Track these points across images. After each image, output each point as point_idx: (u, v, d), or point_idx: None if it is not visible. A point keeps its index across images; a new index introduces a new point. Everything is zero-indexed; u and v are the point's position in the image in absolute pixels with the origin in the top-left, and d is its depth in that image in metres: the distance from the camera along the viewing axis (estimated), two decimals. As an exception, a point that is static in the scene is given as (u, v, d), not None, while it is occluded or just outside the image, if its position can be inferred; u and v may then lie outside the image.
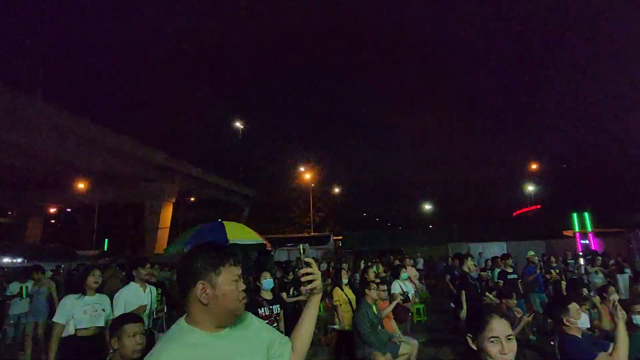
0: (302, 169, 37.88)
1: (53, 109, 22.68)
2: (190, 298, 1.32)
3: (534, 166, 32.38)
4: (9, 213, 39.11)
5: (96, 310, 3.75)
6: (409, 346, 5.06)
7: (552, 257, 9.80)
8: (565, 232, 18.94)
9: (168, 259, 12.23)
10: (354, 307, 5.31)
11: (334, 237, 28.01)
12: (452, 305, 7.89)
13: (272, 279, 4.93)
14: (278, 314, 4.75)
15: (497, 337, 1.62)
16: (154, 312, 4.22)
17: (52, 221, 42.52)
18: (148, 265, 4.27)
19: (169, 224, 35.40)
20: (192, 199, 40.64)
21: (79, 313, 3.63)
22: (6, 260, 19.94)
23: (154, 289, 4.35)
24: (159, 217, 34.45)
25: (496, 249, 17.36)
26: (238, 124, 42.29)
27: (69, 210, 39.86)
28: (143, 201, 34.85)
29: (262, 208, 41.90)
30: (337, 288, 6.06)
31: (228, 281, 1.31)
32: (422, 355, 5.93)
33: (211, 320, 1.31)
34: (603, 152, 33.93)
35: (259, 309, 4.57)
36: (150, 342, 3.58)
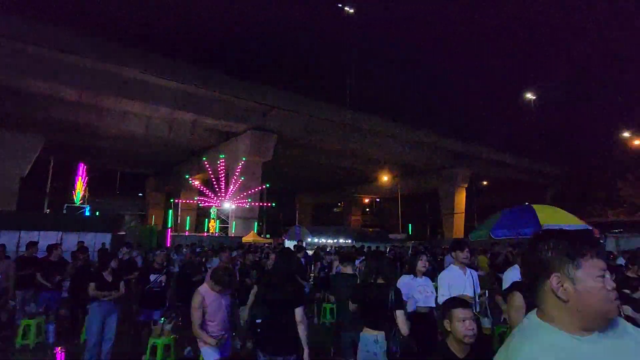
0: (626, 134, 29.45)
1: (357, 114, 27.73)
2: (542, 291, 1.16)
3: None
4: (339, 204, 50.48)
5: (427, 292, 4.23)
6: None
7: None
8: None
9: (475, 244, 12.15)
10: None
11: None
12: None
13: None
14: None
15: None
16: (477, 296, 4.25)
17: (367, 210, 51.69)
18: (466, 249, 4.37)
19: (463, 209, 35.65)
20: (485, 183, 39.29)
21: (416, 293, 4.13)
22: (341, 240, 25.56)
23: (474, 272, 4.42)
24: (453, 202, 35.31)
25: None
26: (530, 95, 37.51)
27: (378, 199, 47.25)
28: (437, 188, 36.71)
29: (574, 186, 35.37)
30: None
31: (592, 276, 1.09)
32: None
33: (571, 320, 1.10)
34: None
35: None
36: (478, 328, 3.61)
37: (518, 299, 2.60)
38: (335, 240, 25.27)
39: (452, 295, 3.79)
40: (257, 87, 24.47)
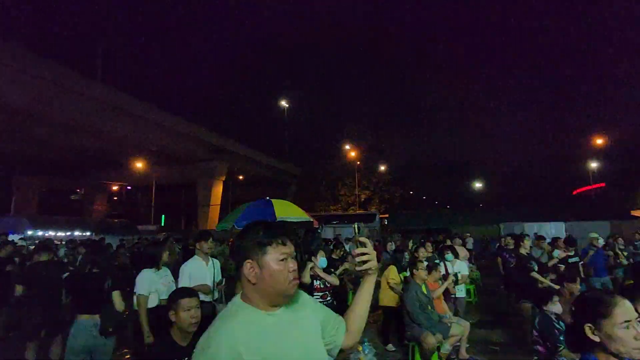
0: (347, 146, 37.68)
1: (108, 89, 24.28)
2: (242, 276, 1.33)
3: (599, 141, 29.73)
4: (78, 191, 42.65)
5: (169, 283, 4.07)
6: (460, 327, 4.97)
7: (619, 238, 9.08)
8: (633, 212, 17.49)
9: (219, 235, 12.77)
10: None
11: (380, 216, 27.87)
12: (503, 287, 7.64)
13: (325, 258, 5.03)
14: (331, 287, 4.86)
15: (630, 320, 1.46)
16: (215, 284, 4.42)
17: (115, 198, 45.90)
18: (210, 240, 4.45)
19: (219, 201, 36.93)
20: (241, 177, 41.95)
21: (160, 286, 3.94)
22: (77, 233, 21.83)
23: (217, 261, 4.54)
24: (210, 194, 36.07)
25: (553, 229, 16.47)
26: (284, 103, 42.65)
27: (129, 187, 42.72)
28: (195, 179, 36.57)
29: (308, 186, 42.39)
30: (393, 267, 6.06)
31: (275, 260, 1.29)
32: (473, 337, 5.81)
33: (261, 299, 1.31)
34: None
35: (314, 281, 4.73)
36: (213, 314, 3.80)
37: None
38: (68, 233, 21.44)
39: (193, 285, 3.90)
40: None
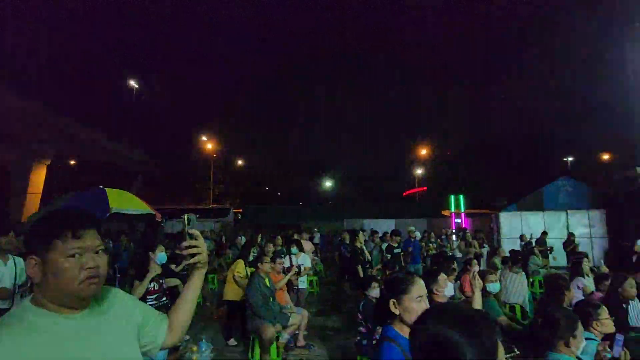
0: (204, 138, 36.08)
1: None
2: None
3: (423, 151, 35.79)
4: None
5: None
6: (299, 316, 5.23)
7: (431, 233, 10.97)
8: (443, 212, 21.40)
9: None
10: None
11: (234, 210, 27.55)
12: (346, 277, 8.41)
13: (165, 253, 4.66)
14: (168, 288, 4.53)
15: (422, 295, 1.83)
16: (17, 287, 3.67)
17: None
18: (11, 234, 3.69)
19: (41, 189, 30.92)
20: (73, 162, 36.03)
21: None
22: None
23: (20, 260, 3.77)
24: (29, 181, 29.89)
25: (386, 225, 18.92)
26: (133, 83, 38.24)
27: None
28: (7, 161, 29.75)
29: (159, 177, 39.05)
30: (241, 261, 5.98)
31: (63, 256, 1.07)
32: (312, 325, 6.21)
33: (51, 301, 1.10)
34: (482, 143, 38.79)
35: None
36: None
37: None
38: None
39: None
40: None
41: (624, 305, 4.11)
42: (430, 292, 3.24)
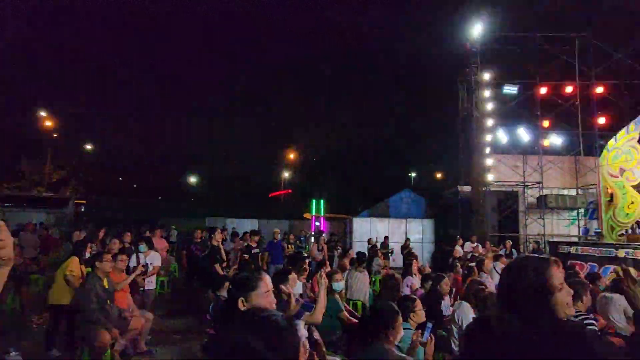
0: (43, 113, 30.36)
1: None
2: None
3: (291, 155, 37.00)
4: None
5: None
6: (141, 320, 4.80)
7: (290, 234, 11.38)
8: (305, 215, 22.45)
9: None
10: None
11: (77, 201, 23.91)
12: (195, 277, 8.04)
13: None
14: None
15: (268, 290, 1.99)
16: None
17: None
18: None
19: None
20: None
21: None
22: None
23: None
24: None
25: (250, 225, 18.89)
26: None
27: None
28: None
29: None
30: (75, 258, 5.14)
31: None
32: (158, 328, 5.77)
33: None
34: (345, 153, 41.98)
35: None
36: None
37: None
38: None
39: None
40: None
41: (440, 300, 4.93)
42: (280, 291, 3.33)
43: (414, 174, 41.26)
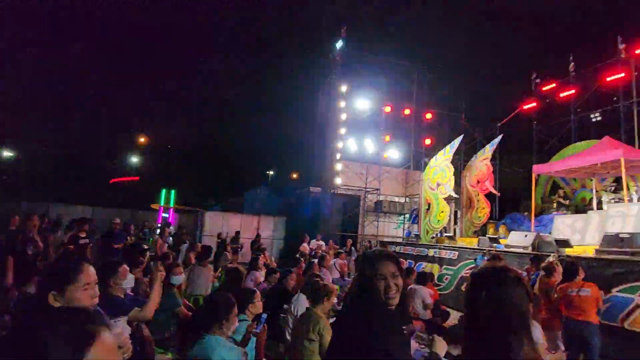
0: None
1: None
2: None
3: (142, 139, 33.60)
4: None
5: None
6: None
7: (131, 225, 10.32)
8: (152, 205, 20.65)
9: None
10: None
11: None
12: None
13: None
14: None
15: (89, 283, 1.77)
16: None
17: None
18: None
19: None
20: None
21: None
22: None
23: None
24: None
25: (81, 212, 16.43)
26: None
27: None
28: None
29: None
30: None
31: None
32: None
33: None
34: (200, 144, 39.93)
35: None
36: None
37: None
38: None
39: None
40: None
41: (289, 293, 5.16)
42: (106, 285, 2.99)
43: (272, 172, 42.12)
